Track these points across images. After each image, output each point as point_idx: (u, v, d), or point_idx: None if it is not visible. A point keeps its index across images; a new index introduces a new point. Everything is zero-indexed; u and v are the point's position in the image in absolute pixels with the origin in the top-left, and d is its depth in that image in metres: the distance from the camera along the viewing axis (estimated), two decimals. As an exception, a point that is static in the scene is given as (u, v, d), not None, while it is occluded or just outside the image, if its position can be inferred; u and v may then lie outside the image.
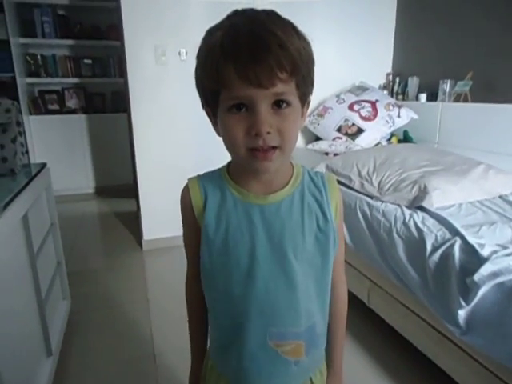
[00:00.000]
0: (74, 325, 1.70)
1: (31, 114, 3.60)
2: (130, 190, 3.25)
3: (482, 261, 1.05)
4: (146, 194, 2.49)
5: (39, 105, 3.69)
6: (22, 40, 3.48)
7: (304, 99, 0.56)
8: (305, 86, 0.54)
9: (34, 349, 1.22)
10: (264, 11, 0.53)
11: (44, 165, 1.55)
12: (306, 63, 0.52)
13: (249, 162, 0.54)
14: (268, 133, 0.51)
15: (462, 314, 1.06)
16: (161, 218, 2.52)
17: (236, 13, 0.54)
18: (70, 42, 3.63)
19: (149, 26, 2.24)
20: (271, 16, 0.52)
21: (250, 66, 0.48)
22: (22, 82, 3.45)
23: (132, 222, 3.00)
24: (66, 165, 3.63)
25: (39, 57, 3.65)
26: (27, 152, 1.49)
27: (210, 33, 0.53)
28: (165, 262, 2.35)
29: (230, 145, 0.55)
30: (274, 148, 0.53)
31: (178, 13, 2.25)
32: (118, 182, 3.83)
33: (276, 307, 0.60)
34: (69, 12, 3.68)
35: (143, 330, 1.70)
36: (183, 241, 0.69)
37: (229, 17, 0.54)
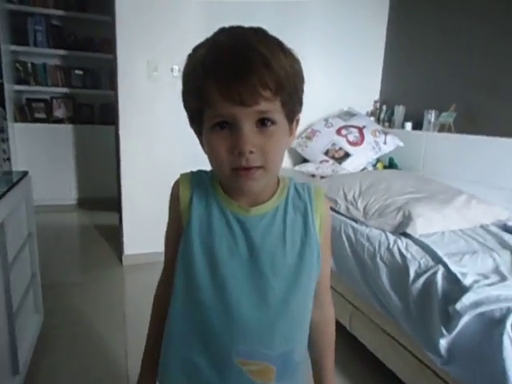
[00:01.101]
0: (45, 340, 1.62)
1: (16, 121, 3.53)
2: (113, 203, 3.19)
3: (464, 290, 1.05)
4: (130, 207, 2.45)
5: (26, 112, 3.64)
6: (13, 47, 3.46)
7: (291, 117, 0.56)
8: (291, 103, 0.53)
9: (0, 366, 1.16)
10: (251, 29, 0.52)
11: (25, 173, 1.51)
12: (293, 81, 0.52)
13: (233, 180, 0.54)
14: (251, 152, 0.50)
15: (443, 342, 1.05)
16: (143, 232, 2.47)
17: (222, 30, 0.53)
18: (62, 52, 3.62)
19: (142, 41, 2.26)
20: (257, 33, 0.51)
21: (232, 84, 0.48)
22: (9, 88, 3.40)
23: (113, 235, 2.93)
24: (48, 174, 3.55)
25: (29, 65, 3.62)
26: (9, 159, 1.45)
27: (194, 50, 0.53)
28: (145, 279, 2.28)
29: (214, 163, 0.54)
30: (258, 168, 0.52)
31: (172, 30, 2.27)
32: (101, 195, 3.76)
33: (246, 324, 0.57)
34: (63, 23, 3.69)
35: (118, 349, 1.64)
36: (165, 239, 0.67)
37: (214, 34, 0.53)
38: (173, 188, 0.63)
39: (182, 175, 0.63)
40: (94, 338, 1.71)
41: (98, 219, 3.42)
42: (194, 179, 0.62)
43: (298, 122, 0.58)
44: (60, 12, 3.55)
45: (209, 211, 0.59)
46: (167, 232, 0.67)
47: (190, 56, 0.54)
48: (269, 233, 0.58)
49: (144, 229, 2.47)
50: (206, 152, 0.56)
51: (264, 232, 0.58)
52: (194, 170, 0.64)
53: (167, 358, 0.64)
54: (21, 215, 1.46)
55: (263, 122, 0.51)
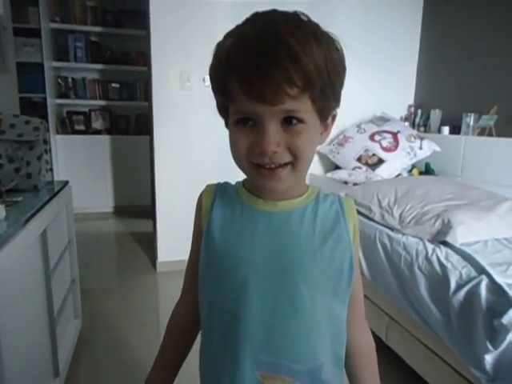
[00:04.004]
0: (83, 344, 1.67)
1: (58, 133, 3.73)
2: (148, 211, 3.27)
3: (511, 302, 0.99)
4: (163, 215, 2.50)
5: (66, 125, 3.83)
6: (55, 63, 3.66)
7: (324, 114, 0.51)
8: (324, 99, 0.49)
9: (42, 368, 1.20)
10: (283, 15, 0.48)
11: (66, 182, 1.57)
12: (327, 74, 0.47)
13: (254, 178, 0.51)
14: (275, 152, 0.47)
15: (488, 358, 0.99)
16: (176, 240, 2.50)
17: (254, 16, 0.49)
18: (99, 66, 3.79)
19: (175, 53, 2.32)
20: (289, 21, 0.46)
21: (254, 81, 0.44)
22: (51, 102, 3.59)
23: (148, 242, 3.00)
24: (87, 183, 3.70)
25: (70, 79, 3.81)
26: (51, 169, 1.52)
27: (222, 41, 0.50)
28: (178, 285, 2.30)
29: (233, 157, 0.52)
30: (285, 164, 0.49)
31: (204, 41, 2.32)
32: (137, 203, 3.88)
33: (271, 332, 0.52)
34: (101, 38, 3.86)
35: (152, 354, 1.66)
36: (187, 261, 0.66)
37: (244, 21, 0.49)
38: (198, 198, 0.62)
39: (207, 185, 0.62)
40: (129, 342, 1.75)
41: (133, 226, 3.52)
42: (219, 188, 0.60)
43: (334, 117, 0.54)
44: (98, 28, 3.72)
45: (231, 213, 0.56)
46: (192, 241, 0.64)
47: (218, 46, 0.50)
48: (297, 230, 0.54)
49: (177, 236, 2.50)
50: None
51: (292, 230, 0.54)
52: (223, 181, 0.63)
53: (201, 373, 0.62)
54: (62, 223, 1.52)
55: (289, 121, 0.47)
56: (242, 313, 0.52)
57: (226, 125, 0.54)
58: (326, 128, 0.54)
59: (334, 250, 0.54)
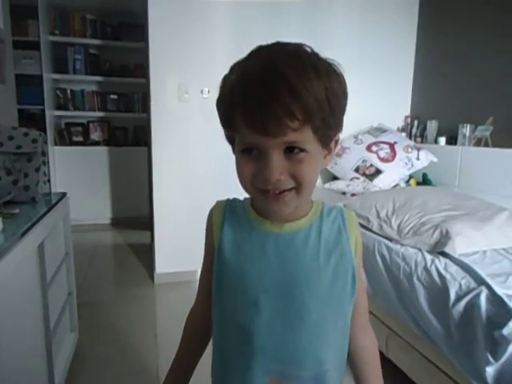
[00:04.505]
0: (79, 358, 1.65)
1: (56, 144, 3.73)
2: (146, 223, 3.26)
3: (511, 313, 0.98)
4: (161, 227, 2.49)
5: (64, 136, 3.84)
6: (54, 76, 3.68)
7: (326, 141, 0.53)
8: (325, 128, 0.51)
9: (37, 383, 1.18)
10: (285, 49, 0.50)
11: (64, 194, 1.57)
12: (328, 104, 0.49)
13: (261, 201, 0.55)
14: (278, 180, 0.50)
15: (490, 371, 0.98)
16: (174, 251, 2.50)
17: (257, 50, 0.52)
18: (98, 78, 3.81)
19: (174, 66, 2.34)
20: (290, 56, 0.49)
21: (257, 115, 0.47)
22: (50, 114, 3.60)
23: (145, 254, 2.98)
24: (85, 195, 3.69)
25: (68, 91, 3.83)
26: (49, 181, 1.52)
27: (228, 74, 0.53)
28: (176, 297, 2.30)
29: (240, 182, 0.55)
30: (289, 190, 0.51)
31: (203, 53, 2.35)
32: (134, 214, 3.86)
33: (280, 345, 0.56)
34: (100, 51, 3.89)
35: (150, 367, 1.64)
36: (201, 271, 0.69)
37: (248, 57, 0.52)
38: (208, 214, 0.65)
39: (217, 202, 0.65)
40: (126, 355, 1.72)
41: (130, 238, 3.50)
42: (228, 205, 0.64)
43: (337, 142, 0.57)
44: (97, 41, 3.75)
45: (240, 232, 0.60)
46: (204, 257, 0.67)
47: (223, 80, 0.53)
48: (303, 250, 0.57)
49: (175, 248, 2.50)
50: None
51: (298, 249, 0.57)
52: (231, 197, 0.67)
53: (213, 377, 0.66)
54: (59, 235, 1.51)
55: (292, 150, 0.50)
56: (254, 329, 0.57)
57: (234, 151, 0.58)
58: (329, 152, 0.56)
59: (337, 266, 0.58)
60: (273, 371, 0.57)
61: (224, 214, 0.62)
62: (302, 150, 0.50)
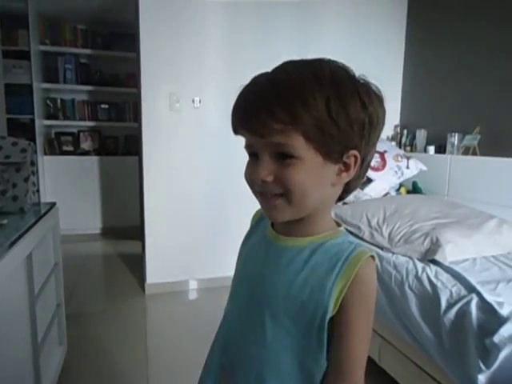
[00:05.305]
0: (68, 372, 1.61)
1: (46, 154, 3.70)
2: (136, 232, 3.23)
3: (501, 320, 0.99)
4: (152, 236, 2.47)
5: (54, 146, 3.80)
6: (44, 85, 3.66)
7: (329, 152, 0.50)
8: (323, 136, 0.48)
9: (24, 399, 1.15)
10: (306, 60, 0.52)
11: (53, 204, 1.55)
12: (328, 113, 0.47)
13: (260, 203, 0.56)
14: (263, 181, 0.51)
15: (482, 378, 0.99)
16: (165, 261, 2.48)
17: (261, 74, 0.54)
18: (89, 87, 3.80)
19: (165, 75, 2.34)
20: (292, 63, 0.51)
21: (244, 115, 0.51)
22: (40, 123, 3.58)
23: (136, 264, 2.95)
24: (75, 204, 3.65)
25: (59, 101, 3.81)
26: (38, 191, 1.50)
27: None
28: (166, 309, 2.27)
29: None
30: (278, 195, 0.51)
31: (194, 63, 2.35)
32: (125, 224, 3.82)
33: (235, 344, 0.60)
34: (91, 60, 3.89)
35: (140, 379, 1.61)
36: None
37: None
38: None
39: (258, 210, 0.68)
40: (116, 367, 1.69)
41: (121, 248, 3.46)
42: (261, 213, 0.67)
43: (356, 158, 0.51)
44: (88, 51, 3.75)
45: (257, 239, 0.64)
46: None
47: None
48: (284, 268, 0.55)
49: (166, 258, 2.47)
50: None
51: (280, 266, 0.55)
52: None
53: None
54: (48, 246, 1.49)
55: (282, 156, 0.50)
56: (224, 320, 0.65)
57: None
58: (346, 168, 0.52)
59: (308, 299, 0.52)
60: (225, 365, 0.61)
61: (255, 222, 0.67)
62: (293, 157, 0.49)
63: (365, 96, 0.51)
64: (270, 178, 0.50)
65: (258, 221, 0.66)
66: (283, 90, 0.47)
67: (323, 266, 0.53)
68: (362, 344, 0.54)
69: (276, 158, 0.50)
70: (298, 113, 0.47)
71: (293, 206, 0.52)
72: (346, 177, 0.53)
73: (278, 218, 0.54)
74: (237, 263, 0.66)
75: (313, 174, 0.50)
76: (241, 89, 0.53)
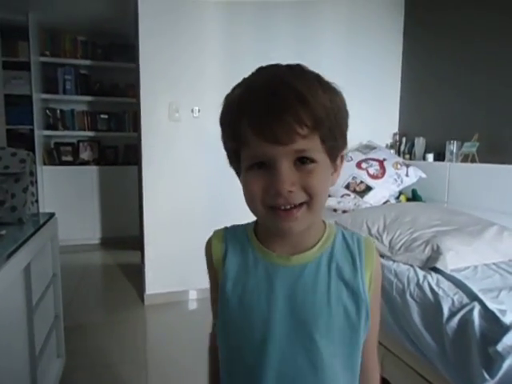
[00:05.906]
0: (66, 383, 1.59)
1: (45, 164, 3.70)
2: (136, 243, 3.22)
3: (504, 329, 0.98)
4: (152, 247, 2.46)
5: (54, 156, 3.81)
6: (44, 96, 3.68)
7: (333, 153, 0.52)
8: (332, 139, 0.50)
9: (21, 413, 1.13)
10: (288, 65, 0.51)
11: (52, 214, 1.54)
12: (334, 115, 0.49)
13: (270, 221, 0.51)
14: (290, 191, 0.47)
15: (486, 388, 0.97)
16: (165, 272, 2.46)
17: (258, 69, 0.52)
18: (88, 98, 3.83)
19: (164, 85, 2.35)
20: (293, 70, 0.50)
21: (265, 122, 0.46)
22: (39, 134, 3.59)
23: (135, 275, 2.93)
24: (74, 215, 3.64)
25: (58, 111, 3.83)
26: (37, 201, 1.49)
27: (230, 92, 0.53)
28: (166, 319, 2.25)
29: (248, 202, 0.52)
30: (301, 204, 0.49)
31: (193, 73, 2.37)
32: (124, 234, 3.81)
33: None
34: (90, 71, 3.91)
35: (139, 394, 1.59)
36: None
37: (251, 74, 0.53)
38: (205, 247, 0.60)
39: (215, 231, 0.60)
40: (115, 380, 1.67)
41: (120, 258, 3.44)
42: (228, 234, 0.59)
43: (342, 158, 0.55)
44: (87, 62, 3.78)
45: (244, 265, 0.56)
46: (210, 289, 0.63)
47: (226, 97, 0.53)
48: (312, 287, 0.53)
49: (166, 268, 2.46)
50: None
51: (307, 285, 0.53)
52: (228, 225, 0.62)
53: None
54: (46, 256, 1.48)
55: (302, 161, 0.48)
56: (262, 371, 0.53)
57: (237, 173, 0.55)
58: (335, 169, 0.54)
59: (349, 304, 0.54)
60: None
61: (225, 246, 0.58)
62: (312, 161, 0.48)
63: (344, 99, 0.53)
64: (295, 187, 0.48)
65: (226, 245, 0.58)
66: (304, 95, 0.46)
67: (345, 266, 0.55)
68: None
69: (294, 165, 0.48)
70: (321, 117, 0.47)
71: (312, 213, 0.50)
72: (336, 177, 0.55)
73: (297, 228, 0.50)
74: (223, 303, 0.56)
75: (326, 177, 0.51)
76: (232, 95, 0.51)
